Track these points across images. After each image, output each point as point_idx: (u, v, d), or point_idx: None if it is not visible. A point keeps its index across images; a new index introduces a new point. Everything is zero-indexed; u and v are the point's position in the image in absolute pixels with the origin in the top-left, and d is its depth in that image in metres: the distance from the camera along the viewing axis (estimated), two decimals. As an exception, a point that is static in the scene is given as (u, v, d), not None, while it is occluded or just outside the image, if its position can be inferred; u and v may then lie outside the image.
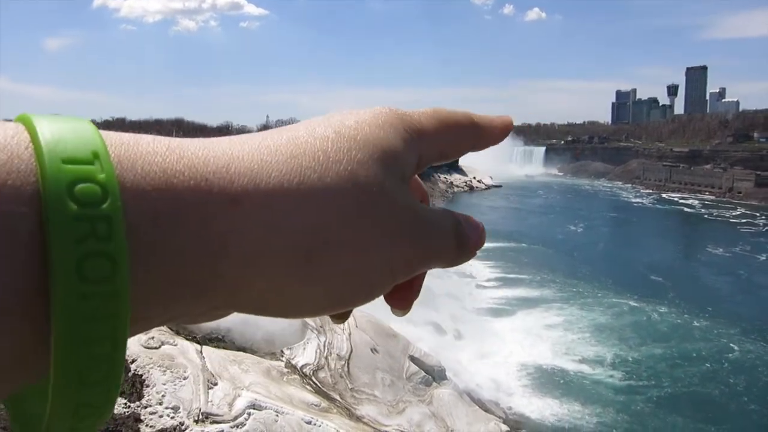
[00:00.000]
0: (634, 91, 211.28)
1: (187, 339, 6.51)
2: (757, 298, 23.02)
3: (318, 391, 6.93)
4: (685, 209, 57.73)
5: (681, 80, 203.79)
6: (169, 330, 6.50)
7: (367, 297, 0.29)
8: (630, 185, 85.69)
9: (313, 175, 0.26)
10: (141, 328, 0.24)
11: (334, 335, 8.14)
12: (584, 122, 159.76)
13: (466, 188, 67.77)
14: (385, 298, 0.34)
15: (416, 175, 0.36)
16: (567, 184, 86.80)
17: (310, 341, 7.82)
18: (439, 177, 65.83)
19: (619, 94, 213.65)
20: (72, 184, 0.20)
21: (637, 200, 65.26)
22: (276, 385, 6.28)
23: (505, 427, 9.03)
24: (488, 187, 70.61)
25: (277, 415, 5.52)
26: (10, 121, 0.22)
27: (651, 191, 76.56)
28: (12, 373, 0.21)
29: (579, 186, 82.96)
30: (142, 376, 5.36)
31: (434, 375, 8.80)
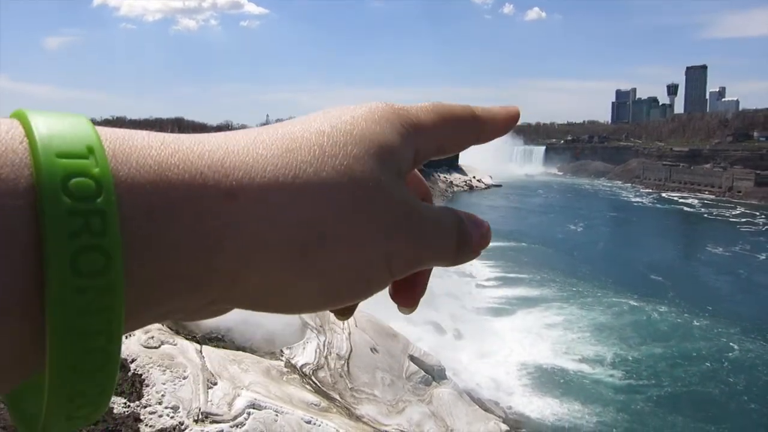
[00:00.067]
0: (634, 90, 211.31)
1: (186, 338, 6.51)
2: (756, 298, 23.02)
3: (318, 391, 6.93)
4: (685, 208, 57.74)
5: (681, 79, 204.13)
6: (168, 329, 6.49)
7: (364, 292, 0.29)
8: (630, 184, 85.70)
9: (309, 169, 0.26)
10: (137, 323, 0.24)
11: (333, 335, 8.14)
12: (584, 121, 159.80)
13: (465, 187, 67.75)
14: (390, 296, 0.34)
15: (418, 172, 0.36)
16: (567, 183, 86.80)
17: (309, 341, 7.82)
18: (439, 176, 65.82)
19: (618, 93, 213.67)
20: (66, 178, 0.20)
21: (637, 199, 65.26)
22: (276, 384, 6.27)
23: (504, 427, 9.03)
24: (488, 187, 70.60)
25: (276, 415, 5.51)
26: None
27: (651, 190, 76.56)
28: (11, 372, 0.21)
29: (579, 185, 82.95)
30: (141, 375, 5.36)
31: (434, 374, 8.80)
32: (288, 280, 0.26)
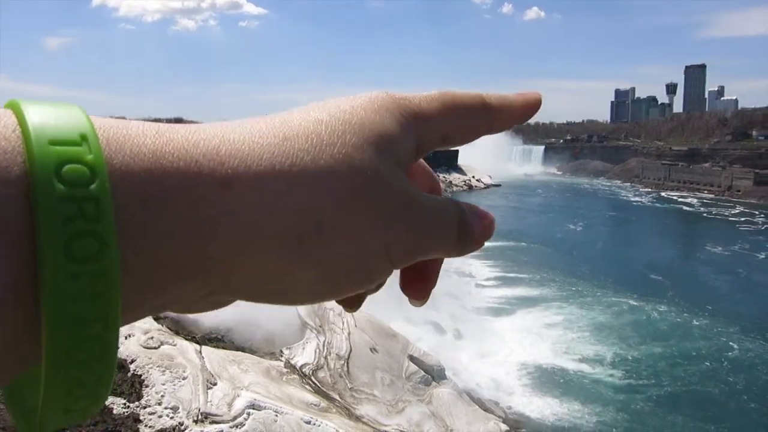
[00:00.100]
0: (633, 89, 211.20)
1: (186, 339, 6.51)
2: (756, 297, 23.03)
3: (317, 391, 6.92)
4: (684, 208, 57.77)
5: (680, 79, 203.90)
6: (168, 330, 6.49)
7: (364, 282, 0.28)
8: (629, 184, 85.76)
9: (306, 158, 0.26)
10: (133, 314, 0.24)
11: (333, 335, 8.14)
12: (583, 121, 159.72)
13: (465, 187, 67.72)
14: (401, 288, 0.34)
15: (424, 163, 0.35)
16: (566, 182, 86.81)
17: (309, 341, 7.81)
18: (438, 176, 64.74)
19: (618, 92, 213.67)
20: (59, 165, 0.20)
21: (636, 199, 65.29)
22: (275, 384, 6.27)
23: (504, 427, 9.03)
24: (487, 186, 70.58)
25: (276, 415, 5.51)
26: None
27: (650, 190, 76.61)
28: (6, 362, 0.21)
29: (578, 185, 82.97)
30: (141, 376, 5.35)
31: (434, 374, 8.79)
32: (285, 268, 0.26)
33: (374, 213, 0.27)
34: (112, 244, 0.20)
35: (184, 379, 5.48)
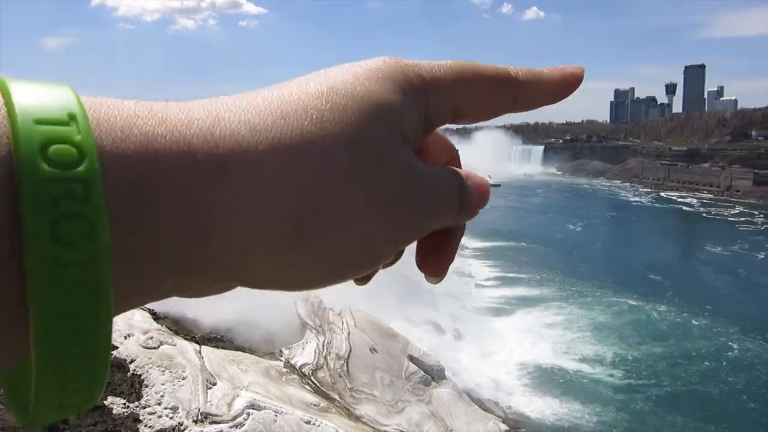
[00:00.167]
0: (633, 89, 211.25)
1: (186, 339, 6.50)
2: (756, 297, 23.06)
3: (317, 391, 6.92)
4: (684, 208, 57.83)
5: (679, 79, 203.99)
6: (168, 330, 6.49)
7: (368, 265, 0.27)
8: (628, 184, 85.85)
9: (304, 138, 0.24)
10: (127, 303, 0.23)
11: (333, 335, 8.14)
12: (583, 121, 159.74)
13: (464, 187, 67.67)
14: (417, 264, 0.32)
15: (441, 133, 0.33)
16: (565, 182, 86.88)
17: (309, 341, 7.81)
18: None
19: (617, 92, 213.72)
20: (45, 144, 0.19)
21: (636, 199, 65.34)
22: (275, 384, 6.27)
23: (504, 427, 9.02)
24: (487, 187, 70.48)
25: (276, 415, 5.51)
26: None
27: (649, 190, 76.70)
28: None
29: (577, 185, 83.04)
30: (140, 376, 5.35)
31: (433, 374, 8.79)
32: (285, 258, 0.25)
33: (375, 194, 0.26)
34: (102, 227, 0.19)
35: (183, 379, 5.48)
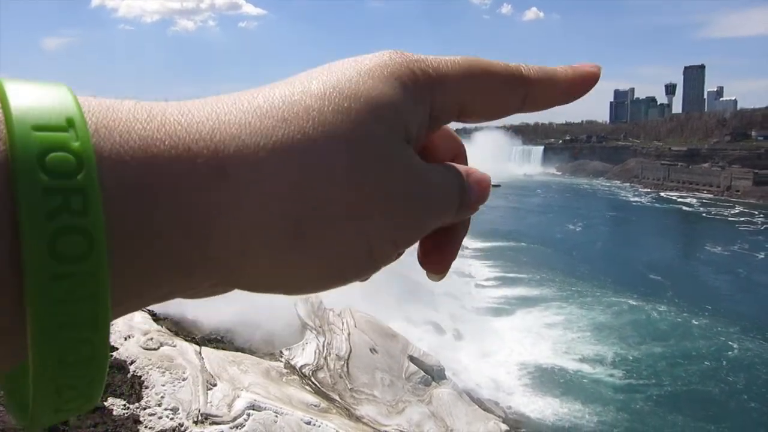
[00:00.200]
0: (632, 90, 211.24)
1: (186, 340, 6.50)
2: (756, 297, 23.05)
3: (317, 392, 6.92)
4: (684, 208, 57.82)
5: (679, 79, 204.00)
6: (168, 331, 6.49)
7: (368, 269, 0.27)
8: (628, 184, 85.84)
9: (307, 143, 0.24)
10: (124, 309, 0.22)
11: (333, 335, 8.14)
12: (582, 121, 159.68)
13: (464, 188, 67.65)
14: (419, 261, 0.32)
15: (448, 128, 0.32)
16: (565, 183, 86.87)
17: (309, 342, 7.81)
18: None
19: (617, 93, 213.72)
20: (43, 153, 0.19)
21: (636, 199, 65.33)
22: (275, 385, 6.26)
23: (504, 427, 9.02)
24: (487, 187, 70.48)
25: (276, 416, 5.51)
26: None
27: (649, 190, 76.67)
28: None
29: (577, 185, 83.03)
30: (141, 377, 5.34)
31: (433, 375, 8.79)
32: (285, 262, 0.25)
33: (375, 193, 0.25)
34: (100, 241, 0.19)
35: (183, 380, 5.47)
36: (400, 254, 0.30)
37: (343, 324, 8.39)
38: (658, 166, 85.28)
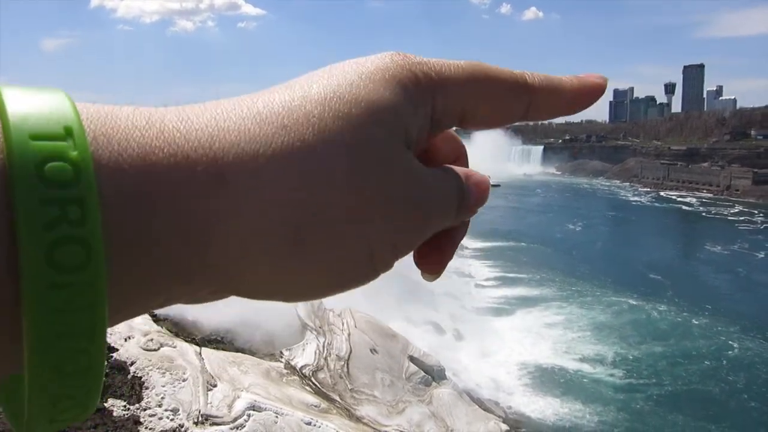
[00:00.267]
0: (632, 89, 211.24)
1: (186, 341, 6.50)
2: (756, 296, 23.06)
3: (317, 392, 6.92)
4: (683, 207, 57.86)
5: (678, 78, 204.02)
6: (168, 332, 6.49)
7: (368, 275, 0.27)
8: (628, 183, 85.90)
9: (306, 149, 0.24)
10: (122, 317, 0.22)
11: (333, 336, 8.13)
12: (582, 121, 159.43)
13: (464, 188, 67.64)
14: (415, 262, 0.31)
15: (450, 131, 0.32)
16: (565, 182, 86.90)
17: (309, 342, 7.81)
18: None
19: (616, 92, 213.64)
20: (41, 162, 0.19)
21: (635, 198, 65.35)
22: (275, 386, 6.26)
23: (504, 426, 9.02)
24: (486, 187, 70.46)
25: (276, 417, 5.50)
26: None
27: (649, 189, 76.72)
28: None
29: (577, 185, 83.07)
30: (141, 378, 5.34)
31: (434, 375, 8.79)
32: (284, 269, 0.24)
33: (376, 197, 0.25)
34: (98, 251, 0.19)
35: (184, 380, 5.47)
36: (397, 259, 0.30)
37: (343, 324, 8.39)
38: (657, 165, 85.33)
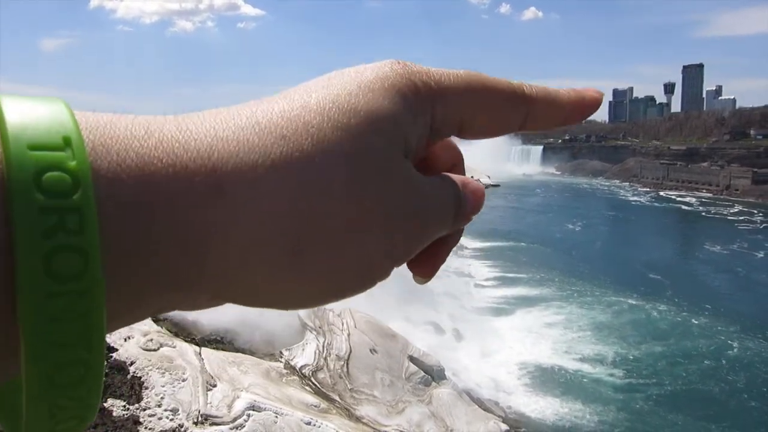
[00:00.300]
0: (631, 89, 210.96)
1: (185, 341, 6.50)
2: (755, 296, 23.06)
3: (317, 392, 6.92)
4: (683, 207, 57.87)
5: (678, 78, 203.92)
6: (167, 332, 6.49)
7: (365, 284, 0.27)
8: (627, 183, 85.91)
9: (305, 160, 0.24)
10: (119, 324, 0.23)
11: (333, 336, 8.13)
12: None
13: (464, 188, 67.64)
14: (408, 266, 0.31)
15: (449, 138, 0.32)
16: (565, 182, 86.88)
17: (309, 342, 7.80)
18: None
19: (616, 92, 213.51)
20: (39, 172, 0.19)
21: (635, 198, 65.36)
22: (275, 386, 6.26)
23: (504, 426, 9.02)
24: (486, 187, 70.38)
25: (276, 417, 5.50)
26: None
27: (648, 189, 76.74)
28: None
29: (577, 184, 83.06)
30: (140, 378, 5.34)
31: (433, 375, 8.79)
32: (282, 279, 0.25)
33: (375, 206, 0.25)
34: (96, 260, 0.19)
35: (183, 380, 5.47)
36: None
37: (342, 324, 8.39)
38: (657, 165, 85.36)
